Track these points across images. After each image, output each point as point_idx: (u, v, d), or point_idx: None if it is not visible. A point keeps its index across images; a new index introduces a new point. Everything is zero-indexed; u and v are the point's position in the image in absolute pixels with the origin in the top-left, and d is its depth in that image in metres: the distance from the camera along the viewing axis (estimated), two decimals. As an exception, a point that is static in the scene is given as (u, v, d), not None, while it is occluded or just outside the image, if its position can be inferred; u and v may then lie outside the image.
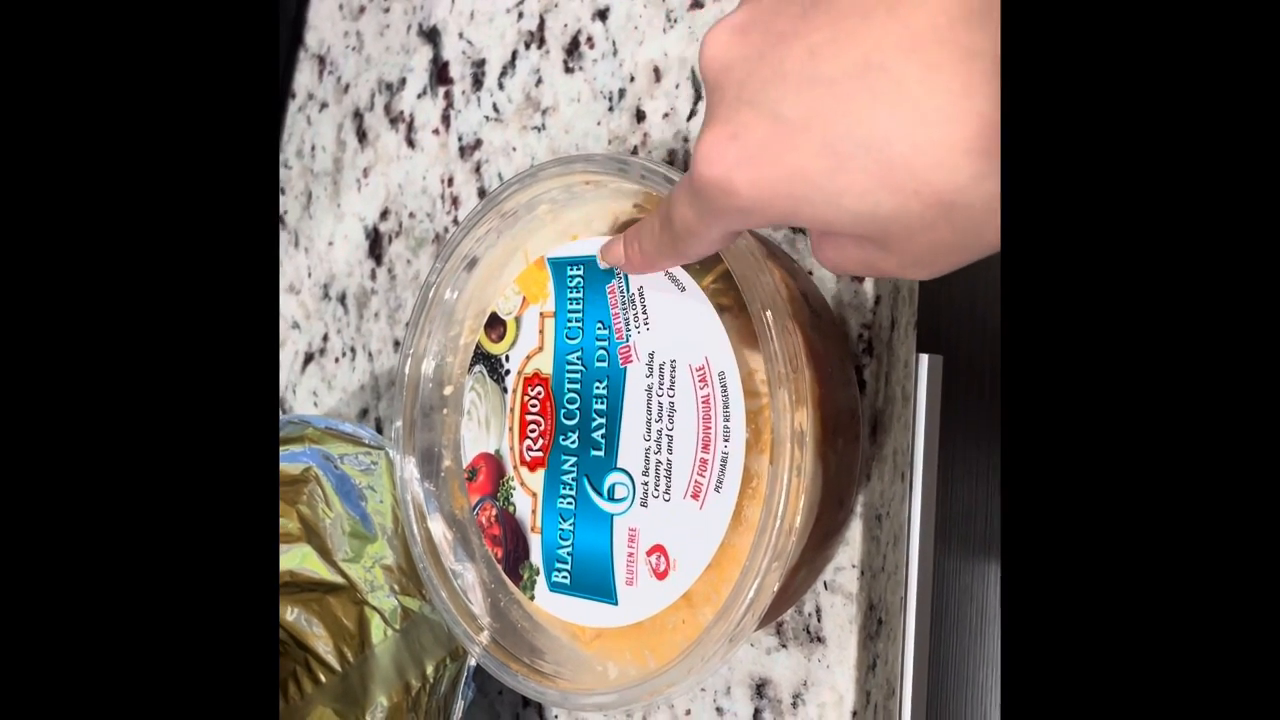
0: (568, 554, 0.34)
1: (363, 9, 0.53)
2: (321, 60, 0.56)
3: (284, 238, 0.57)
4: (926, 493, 0.35)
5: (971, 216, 0.19)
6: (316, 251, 0.55)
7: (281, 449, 0.42)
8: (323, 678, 0.50)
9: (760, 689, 0.35)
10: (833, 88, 0.19)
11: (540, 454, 0.35)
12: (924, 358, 0.35)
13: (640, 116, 0.40)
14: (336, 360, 0.54)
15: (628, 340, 0.32)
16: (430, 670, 0.44)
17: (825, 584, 0.34)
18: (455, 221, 0.48)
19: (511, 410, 0.36)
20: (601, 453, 0.33)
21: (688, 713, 0.38)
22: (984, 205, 0.19)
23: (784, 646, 0.35)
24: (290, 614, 0.49)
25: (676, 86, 0.39)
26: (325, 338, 0.55)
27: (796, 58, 0.20)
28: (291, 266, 0.57)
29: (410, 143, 0.50)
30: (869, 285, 0.34)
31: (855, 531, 0.33)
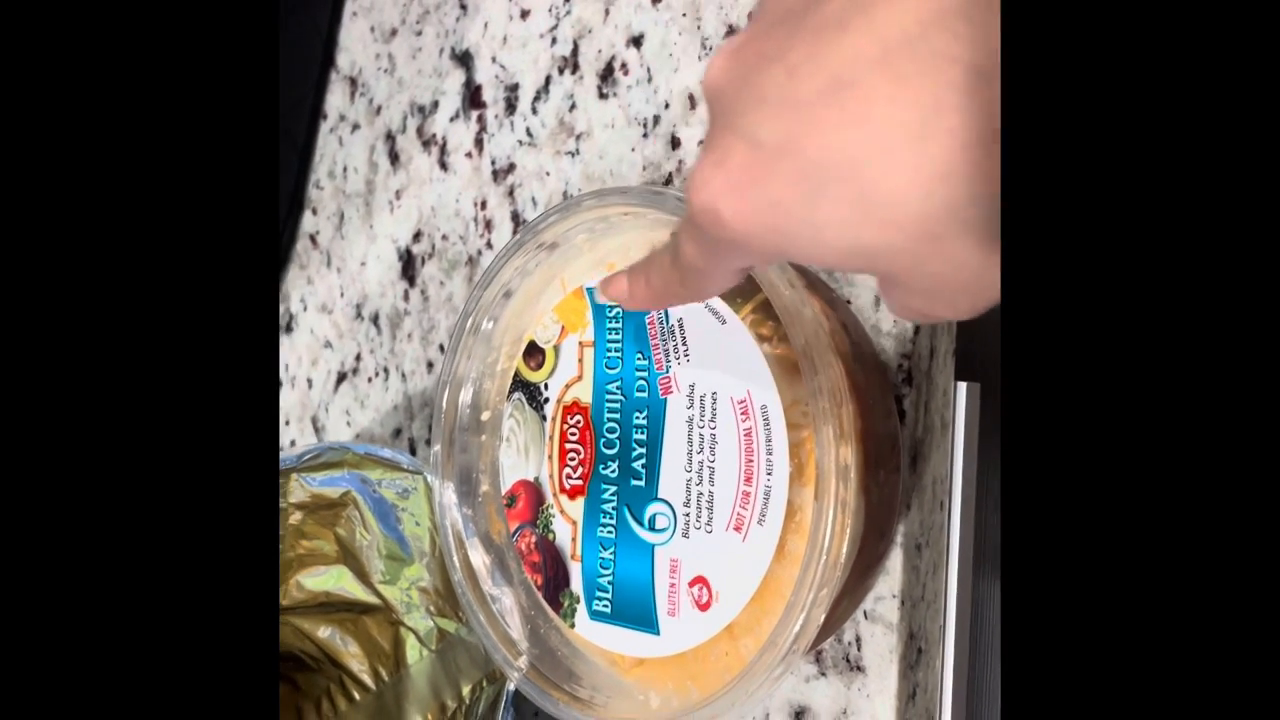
0: (609, 583, 0.34)
1: (394, 31, 0.54)
2: (353, 82, 0.56)
3: (316, 257, 0.58)
4: (965, 521, 0.35)
5: (960, 252, 0.18)
6: (349, 271, 0.56)
7: (320, 474, 0.42)
8: (357, 696, 0.51)
9: (799, 716, 0.35)
10: (806, 110, 0.18)
11: (580, 482, 0.35)
12: (962, 386, 0.35)
13: (675, 143, 0.40)
14: (369, 380, 0.54)
15: (668, 371, 0.33)
16: (466, 692, 0.45)
17: (865, 613, 0.34)
18: (489, 245, 0.48)
19: (550, 438, 0.36)
20: (642, 483, 0.33)
21: (725, 738, 0.38)
22: (975, 239, 0.17)
23: (823, 675, 0.35)
24: (324, 632, 0.50)
25: (712, 114, 0.39)
26: (358, 357, 0.55)
27: (776, 79, 0.19)
28: (324, 286, 0.57)
29: (443, 165, 0.50)
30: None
31: (895, 561, 0.33)
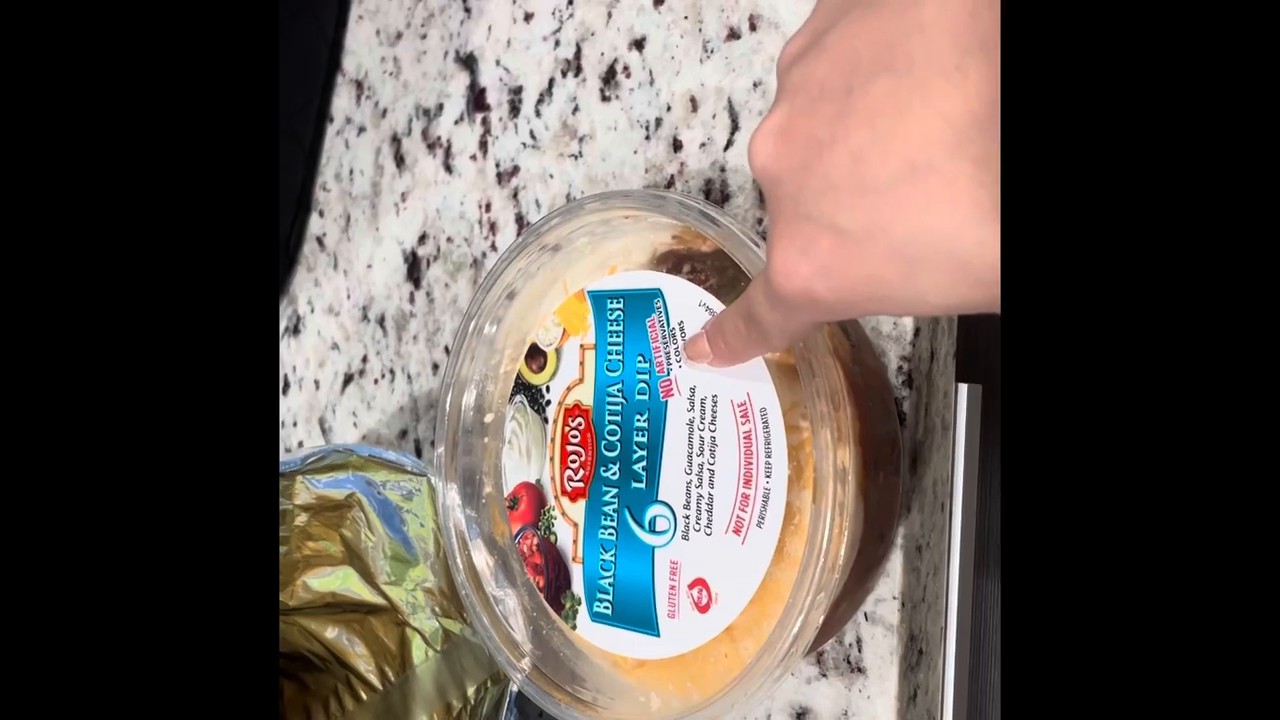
0: (609, 584, 0.34)
1: (400, 35, 0.54)
2: (359, 85, 0.56)
3: (323, 259, 0.58)
4: (966, 523, 0.35)
5: None
6: (355, 274, 0.56)
7: (326, 476, 0.42)
8: (364, 695, 0.51)
9: (800, 717, 0.36)
10: (885, 195, 0.19)
11: (581, 485, 0.35)
12: (963, 388, 0.35)
13: (677, 146, 0.40)
14: (376, 381, 0.55)
15: (669, 374, 0.33)
16: (471, 692, 0.45)
17: (866, 615, 0.34)
18: (493, 247, 0.48)
19: (552, 440, 0.36)
20: (642, 485, 0.33)
21: (727, 739, 0.38)
22: None
23: (824, 676, 0.35)
24: (331, 632, 0.50)
25: (713, 117, 0.39)
26: (365, 359, 0.55)
27: (842, 166, 0.19)
28: (330, 288, 0.58)
29: (448, 168, 0.51)
30: (908, 318, 0.34)
31: (896, 563, 0.33)
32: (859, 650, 0.34)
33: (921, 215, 0.18)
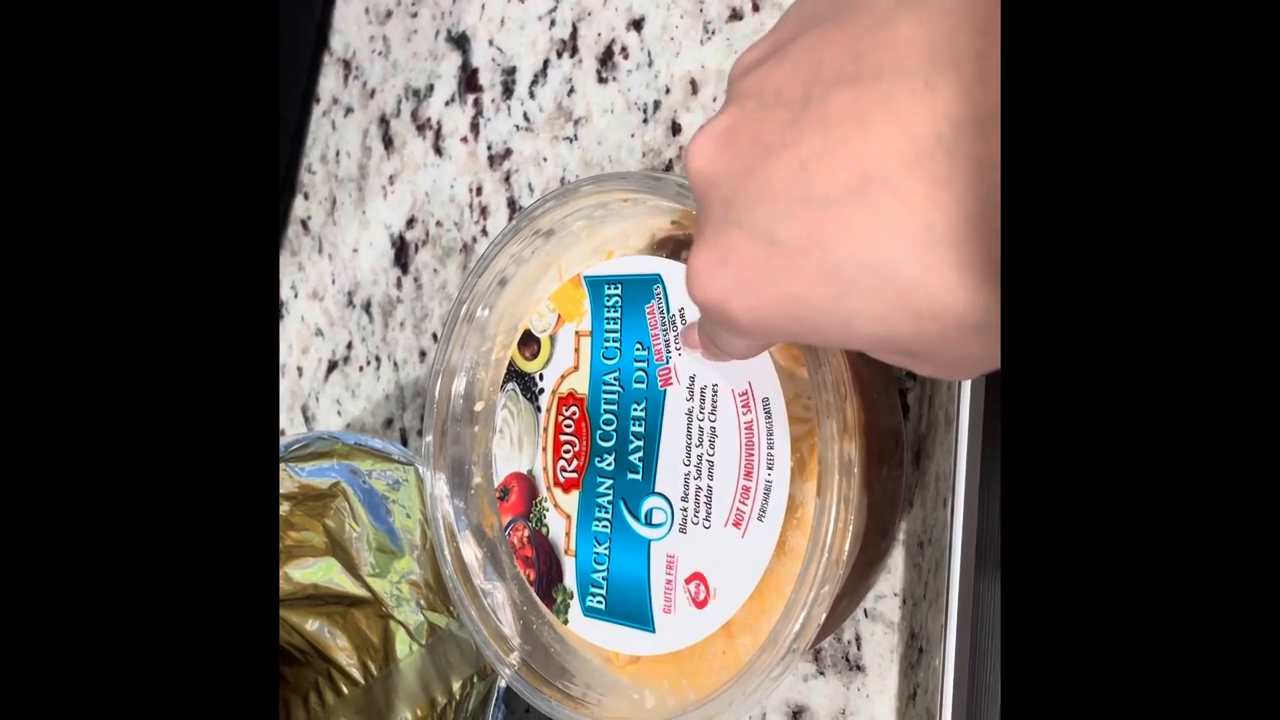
0: (603, 579, 0.33)
1: (389, 13, 0.52)
2: (347, 64, 0.55)
3: (308, 243, 0.57)
4: (968, 518, 0.34)
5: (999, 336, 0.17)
6: (341, 258, 0.55)
7: (309, 464, 0.41)
8: (345, 689, 0.50)
9: (797, 716, 0.35)
10: (830, 207, 0.18)
11: (575, 475, 0.34)
12: (966, 380, 0.35)
13: (676, 129, 0.39)
14: (361, 369, 0.53)
15: (668, 362, 0.32)
16: (457, 688, 0.44)
17: (866, 612, 0.33)
18: (484, 232, 0.47)
19: (545, 430, 0.35)
20: (639, 476, 0.32)
21: (720, 737, 0.37)
22: None
23: (822, 674, 0.34)
24: (312, 625, 0.49)
25: (714, 100, 0.38)
26: (349, 345, 0.54)
27: (787, 173, 0.18)
28: (315, 273, 0.56)
29: (438, 150, 0.49)
30: (913, 307, 0.33)
31: (897, 559, 0.33)
32: (858, 648, 0.33)
33: (866, 233, 0.17)
